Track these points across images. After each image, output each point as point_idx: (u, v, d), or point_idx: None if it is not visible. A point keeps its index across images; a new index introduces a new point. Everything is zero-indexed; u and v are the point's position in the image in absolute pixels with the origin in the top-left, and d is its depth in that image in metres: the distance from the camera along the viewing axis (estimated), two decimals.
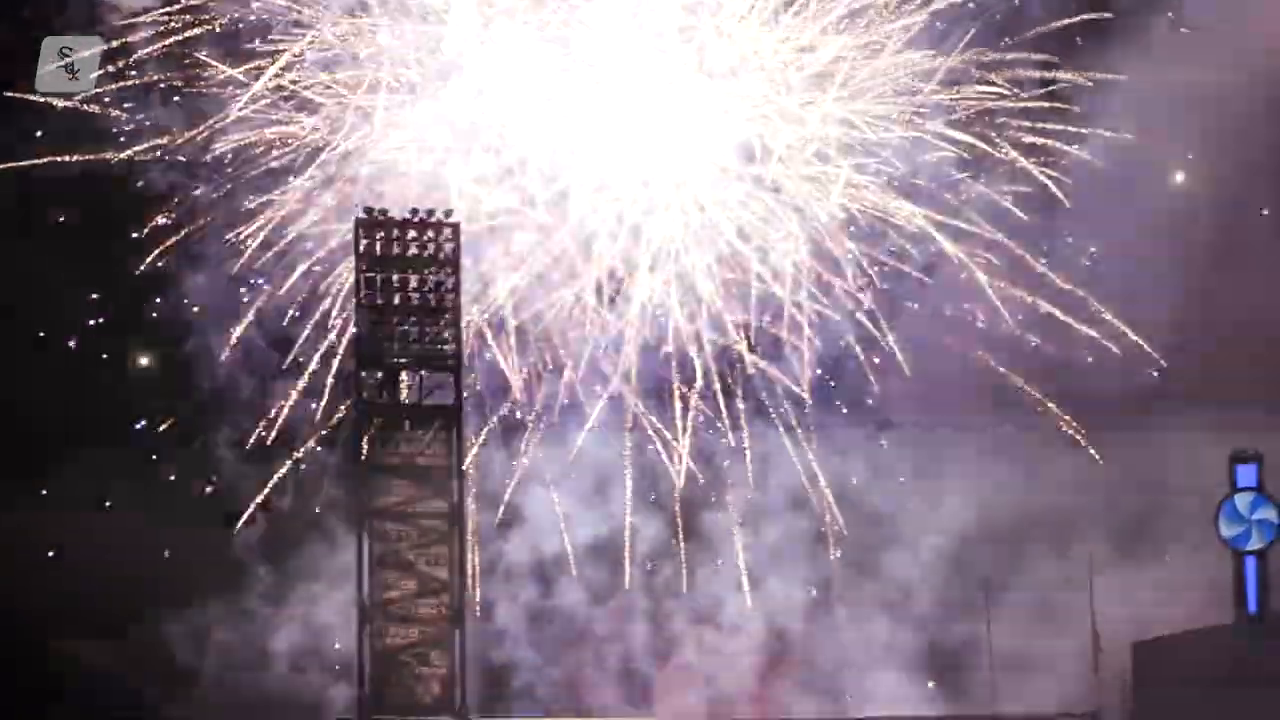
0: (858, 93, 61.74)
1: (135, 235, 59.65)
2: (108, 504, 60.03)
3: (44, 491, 59.59)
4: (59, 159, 58.96)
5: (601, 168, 61.51)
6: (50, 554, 59.70)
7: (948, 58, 62.08)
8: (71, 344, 60.40)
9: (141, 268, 59.75)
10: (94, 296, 60.20)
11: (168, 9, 59.70)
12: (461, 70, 60.65)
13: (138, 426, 60.30)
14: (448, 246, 55.28)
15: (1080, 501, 61.97)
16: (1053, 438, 61.98)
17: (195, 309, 60.04)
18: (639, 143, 61.67)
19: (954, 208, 62.31)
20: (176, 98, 59.88)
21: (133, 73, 59.53)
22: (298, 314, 60.32)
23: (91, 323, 60.44)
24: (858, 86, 61.81)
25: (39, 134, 58.98)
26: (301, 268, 60.25)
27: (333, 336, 60.04)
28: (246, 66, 59.74)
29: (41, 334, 60.15)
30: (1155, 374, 62.03)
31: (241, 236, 60.00)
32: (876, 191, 61.99)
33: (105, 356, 60.67)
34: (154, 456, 60.33)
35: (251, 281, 60.17)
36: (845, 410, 62.60)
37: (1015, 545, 62.30)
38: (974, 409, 62.12)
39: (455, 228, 55.41)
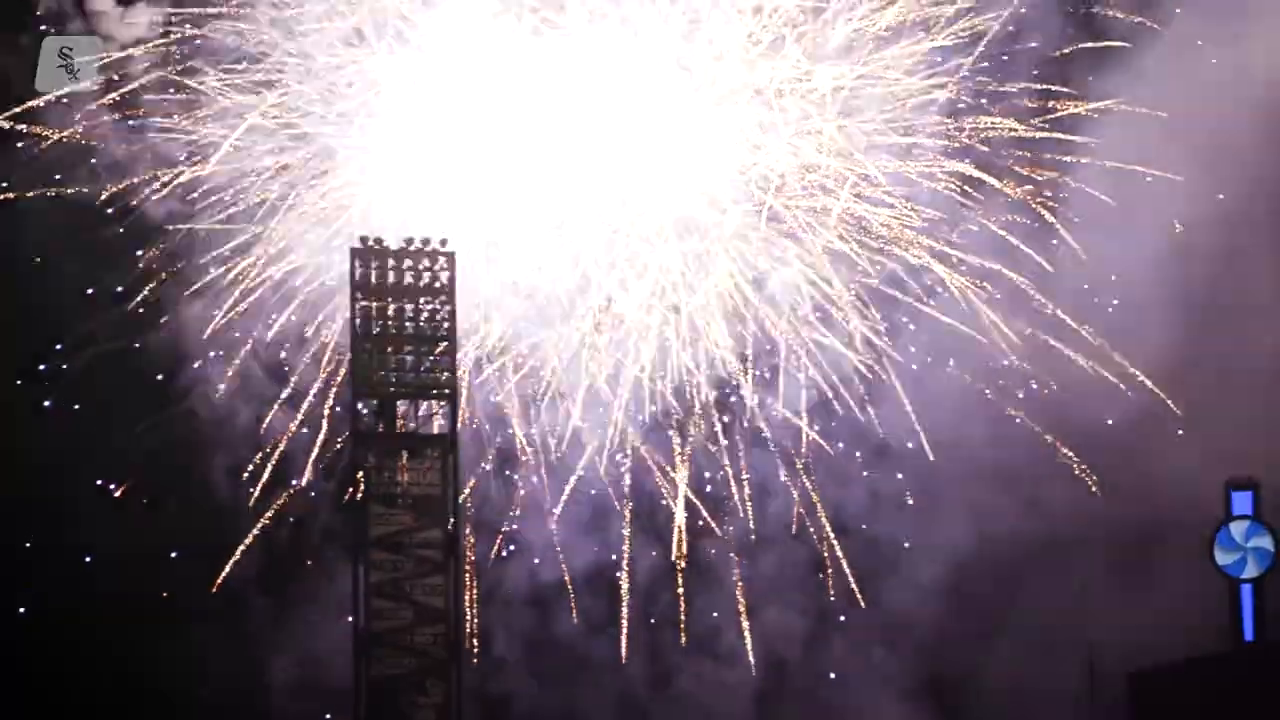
0: (854, 117, 62.00)
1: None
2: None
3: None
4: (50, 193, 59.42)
5: (599, 196, 61.68)
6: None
7: (945, 88, 62.29)
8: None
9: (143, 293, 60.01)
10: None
11: (163, 40, 60.16)
12: (460, 98, 60.94)
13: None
14: (443, 275, 55.51)
15: (1077, 529, 61.93)
16: (1051, 465, 62.08)
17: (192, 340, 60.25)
18: (637, 170, 61.81)
19: (952, 239, 62.48)
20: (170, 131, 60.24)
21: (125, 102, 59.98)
22: (294, 343, 60.61)
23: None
24: (856, 112, 62.08)
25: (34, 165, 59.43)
26: (298, 300, 60.52)
27: (329, 365, 60.27)
28: (243, 96, 60.11)
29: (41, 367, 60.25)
30: (1152, 401, 62.10)
31: (238, 265, 60.29)
32: (875, 220, 62.12)
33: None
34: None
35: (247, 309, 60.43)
36: (842, 442, 62.64)
37: (1014, 573, 62.31)
38: (973, 438, 62.14)
39: (450, 257, 55.65)
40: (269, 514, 59.67)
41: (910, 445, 62.26)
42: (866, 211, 62.09)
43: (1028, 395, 62.27)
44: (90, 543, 59.35)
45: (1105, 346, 62.02)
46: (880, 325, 62.24)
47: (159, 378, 59.76)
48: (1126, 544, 61.81)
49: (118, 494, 59.06)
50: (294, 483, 59.98)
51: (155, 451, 59.46)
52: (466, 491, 59.12)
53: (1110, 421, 61.67)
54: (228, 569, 59.02)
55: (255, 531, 59.74)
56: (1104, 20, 63.47)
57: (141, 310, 59.83)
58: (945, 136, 62.48)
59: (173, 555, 59.34)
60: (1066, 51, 63.17)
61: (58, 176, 59.24)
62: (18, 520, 58.83)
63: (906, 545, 62.55)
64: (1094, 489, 61.77)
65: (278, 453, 59.85)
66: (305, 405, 59.81)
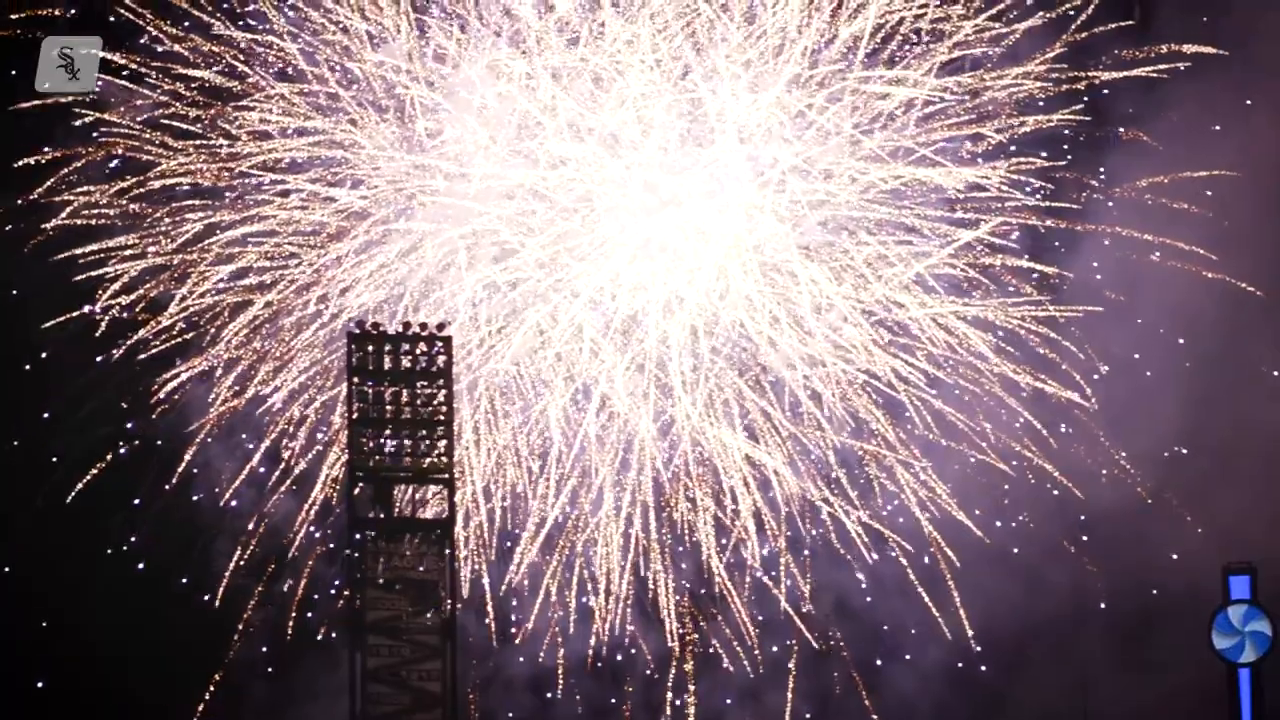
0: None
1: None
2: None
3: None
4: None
5: (600, 270, 61.98)
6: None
7: (950, 168, 62.54)
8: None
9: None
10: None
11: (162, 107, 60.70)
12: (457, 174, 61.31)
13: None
14: (440, 360, 55.57)
15: (1078, 612, 61.78)
16: (1052, 547, 62.01)
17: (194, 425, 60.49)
18: (637, 241, 62.11)
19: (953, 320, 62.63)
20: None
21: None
22: (292, 425, 60.82)
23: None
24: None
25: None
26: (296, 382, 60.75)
27: (328, 449, 60.44)
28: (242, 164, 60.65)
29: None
30: (1153, 482, 62.16)
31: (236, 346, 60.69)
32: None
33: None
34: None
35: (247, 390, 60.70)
36: (844, 524, 62.63)
37: (1015, 655, 62.20)
38: (976, 519, 62.18)
39: (447, 341, 55.75)
40: (267, 600, 59.91)
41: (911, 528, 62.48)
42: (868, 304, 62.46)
43: (1028, 476, 62.26)
44: (91, 622, 59.51)
45: (1104, 429, 62.06)
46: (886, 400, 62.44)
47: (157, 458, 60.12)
48: (1127, 626, 61.71)
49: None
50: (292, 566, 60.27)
51: (154, 534, 59.88)
52: (465, 575, 59.13)
53: (1110, 503, 61.55)
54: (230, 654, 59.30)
55: (253, 603, 60.11)
56: (1107, 101, 63.70)
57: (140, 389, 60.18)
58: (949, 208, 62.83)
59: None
60: (1067, 132, 63.42)
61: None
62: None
63: (907, 626, 62.41)
64: (1093, 569, 61.74)
65: (272, 534, 60.20)
66: (303, 489, 60.04)
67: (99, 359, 59.66)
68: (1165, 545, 60.78)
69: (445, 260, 60.71)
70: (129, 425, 59.73)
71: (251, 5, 60.64)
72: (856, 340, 61.70)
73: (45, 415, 59.24)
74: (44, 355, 59.46)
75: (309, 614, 60.12)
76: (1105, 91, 63.37)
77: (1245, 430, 61.72)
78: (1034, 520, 62.01)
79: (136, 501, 59.70)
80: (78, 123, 59.78)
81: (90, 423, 59.44)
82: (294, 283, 60.71)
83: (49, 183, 59.89)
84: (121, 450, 59.68)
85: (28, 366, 59.61)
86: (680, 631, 61.69)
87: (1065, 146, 63.02)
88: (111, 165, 60.24)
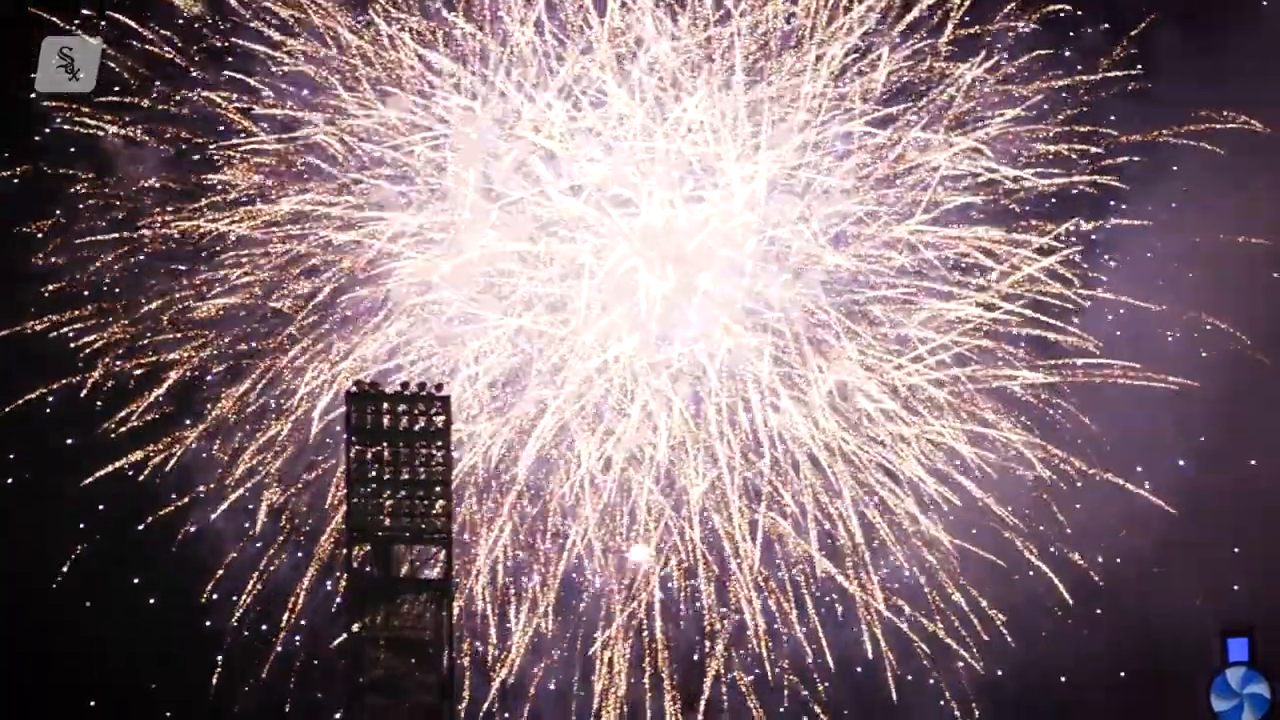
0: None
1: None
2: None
3: None
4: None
5: (605, 340, 62.19)
6: None
7: (960, 239, 62.80)
8: None
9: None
10: None
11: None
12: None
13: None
14: (438, 420, 55.50)
15: (1078, 673, 61.66)
16: (1051, 607, 62.01)
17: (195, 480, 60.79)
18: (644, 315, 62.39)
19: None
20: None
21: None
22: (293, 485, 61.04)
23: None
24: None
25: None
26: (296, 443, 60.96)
27: (327, 508, 60.72)
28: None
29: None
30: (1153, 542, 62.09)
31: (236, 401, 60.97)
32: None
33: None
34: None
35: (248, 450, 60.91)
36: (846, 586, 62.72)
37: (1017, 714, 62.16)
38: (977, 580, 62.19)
39: (446, 401, 55.64)
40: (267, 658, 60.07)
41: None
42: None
43: (1031, 537, 62.30)
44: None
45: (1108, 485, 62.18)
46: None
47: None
48: (1127, 688, 61.58)
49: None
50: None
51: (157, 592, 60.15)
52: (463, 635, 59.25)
53: (1110, 566, 61.62)
54: None
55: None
56: (1109, 161, 63.87)
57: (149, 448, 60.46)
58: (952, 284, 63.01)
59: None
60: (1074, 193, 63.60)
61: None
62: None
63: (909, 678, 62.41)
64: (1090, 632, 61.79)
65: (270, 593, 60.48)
66: (302, 548, 60.18)
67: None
68: (1164, 607, 60.61)
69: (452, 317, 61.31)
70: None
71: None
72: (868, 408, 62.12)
73: None
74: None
75: (306, 673, 60.40)
76: (1109, 154, 63.77)
77: (1244, 492, 61.73)
78: (1037, 582, 62.14)
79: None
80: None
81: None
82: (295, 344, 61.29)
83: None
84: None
85: None
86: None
87: (1070, 215, 63.39)
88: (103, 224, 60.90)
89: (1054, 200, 63.69)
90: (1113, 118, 63.61)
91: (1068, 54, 63.61)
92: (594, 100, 61.46)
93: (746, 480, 62.02)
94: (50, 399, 60.41)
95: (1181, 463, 62.80)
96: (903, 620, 62.09)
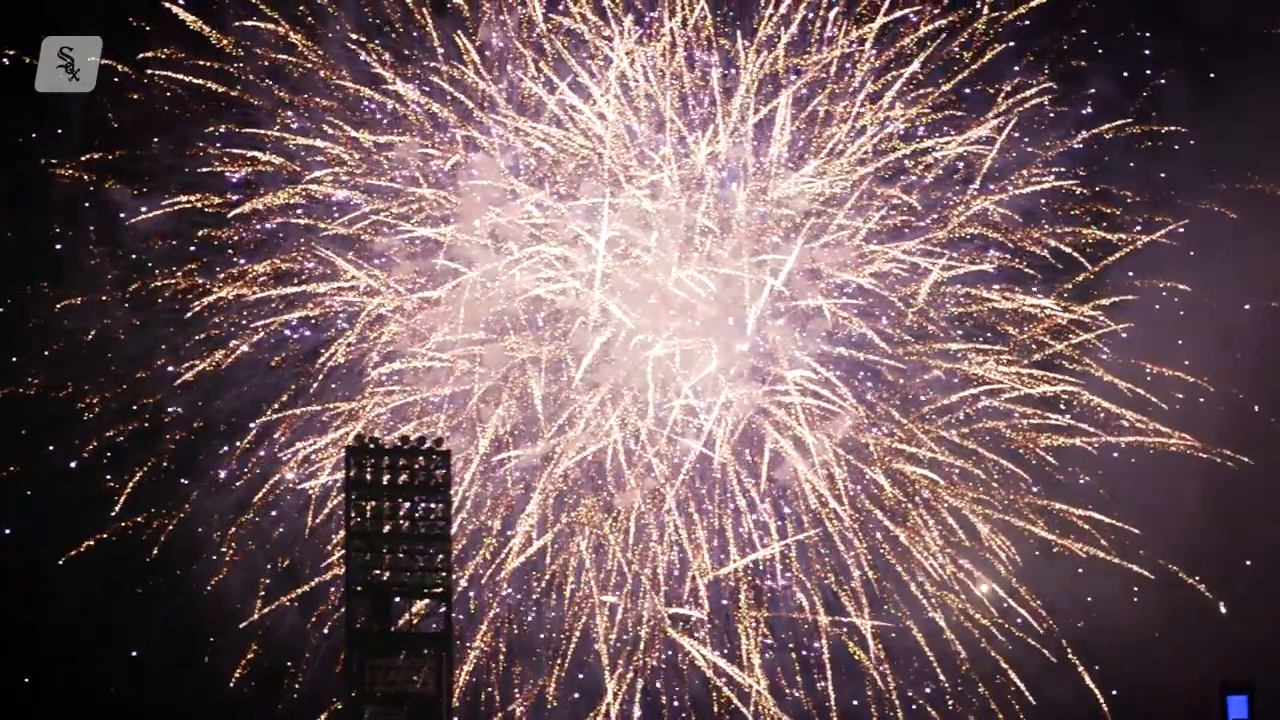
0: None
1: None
2: None
3: None
4: None
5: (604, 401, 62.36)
6: None
7: (963, 302, 63.02)
8: None
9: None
10: None
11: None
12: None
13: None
14: (438, 474, 55.55)
15: None
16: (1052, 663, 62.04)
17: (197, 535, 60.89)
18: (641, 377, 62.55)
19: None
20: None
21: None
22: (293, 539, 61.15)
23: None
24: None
25: None
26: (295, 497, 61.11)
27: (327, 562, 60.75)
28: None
29: None
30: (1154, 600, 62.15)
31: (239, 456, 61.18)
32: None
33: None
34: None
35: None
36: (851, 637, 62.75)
37: None
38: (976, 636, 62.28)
39: (445, 455, 55.72)
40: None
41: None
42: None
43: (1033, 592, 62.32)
44: None
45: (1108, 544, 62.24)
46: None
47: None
48: None
49: None
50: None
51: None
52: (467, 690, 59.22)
53: (1111, 621, 61.64)
54: None
55: None
56: (1119, 217, 64.05)
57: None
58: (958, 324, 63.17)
59: None
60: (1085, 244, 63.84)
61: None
62: None
63: None
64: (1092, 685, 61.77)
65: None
66: (303, 602, 60.27)
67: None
68: (1164, 663, 60.60)
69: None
70: None
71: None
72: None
73: None
74: None
75: None
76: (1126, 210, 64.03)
77: (1242, 548, 61.81)
78: (1034, 636, 62.07)
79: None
80: None
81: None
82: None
83: None
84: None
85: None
86: None
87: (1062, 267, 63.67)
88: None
89: (1067, 260, 63.89)
90: (1128, 171, 63.90)
91: (1086, 111, 63.87)
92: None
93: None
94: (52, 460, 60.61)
95: (1176, 520, 62.73)
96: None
